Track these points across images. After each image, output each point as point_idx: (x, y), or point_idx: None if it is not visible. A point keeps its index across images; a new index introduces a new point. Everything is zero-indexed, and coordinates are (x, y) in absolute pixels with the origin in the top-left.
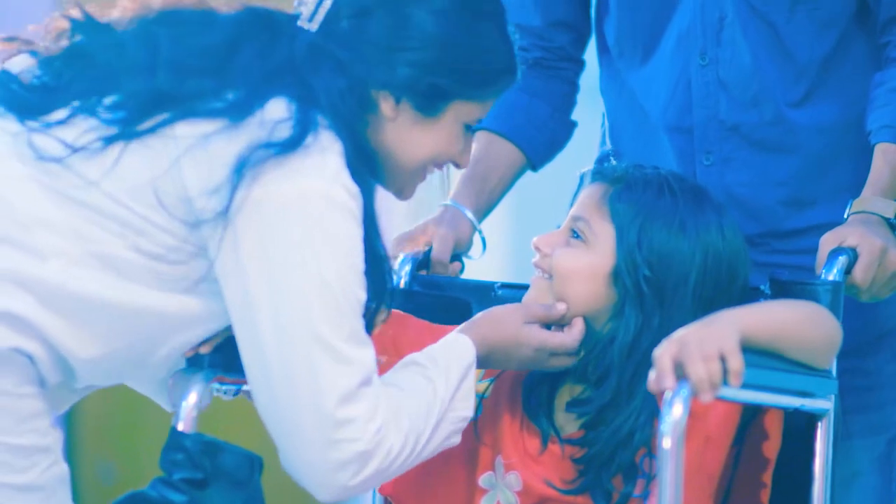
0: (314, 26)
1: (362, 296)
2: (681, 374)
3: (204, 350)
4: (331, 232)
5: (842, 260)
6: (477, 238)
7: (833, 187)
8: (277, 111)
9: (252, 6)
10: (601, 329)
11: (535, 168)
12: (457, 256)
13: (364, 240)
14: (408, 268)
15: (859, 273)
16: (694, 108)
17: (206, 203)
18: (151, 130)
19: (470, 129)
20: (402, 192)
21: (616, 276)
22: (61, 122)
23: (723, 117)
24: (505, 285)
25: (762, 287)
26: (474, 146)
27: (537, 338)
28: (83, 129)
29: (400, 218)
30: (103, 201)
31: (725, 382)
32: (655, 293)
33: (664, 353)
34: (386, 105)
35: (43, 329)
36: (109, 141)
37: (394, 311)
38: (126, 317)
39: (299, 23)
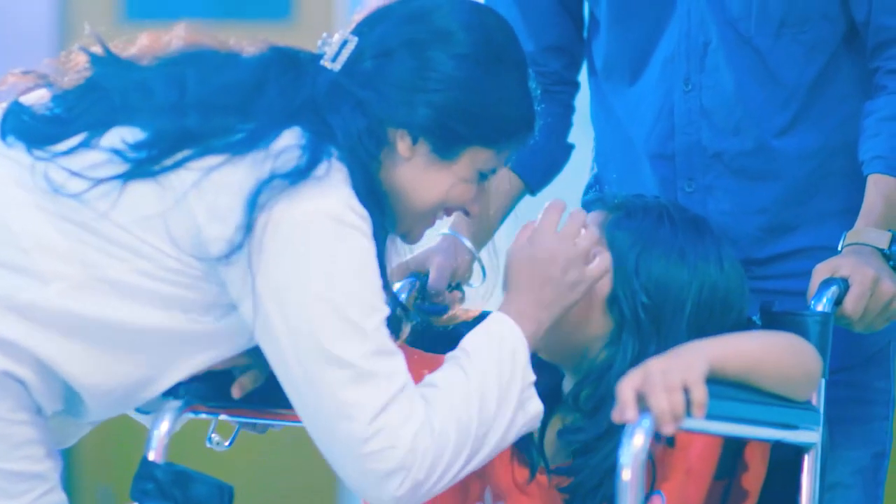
0: (337, 66)
1: (383, 309)
2: (644, 405)
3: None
4: (340, 251)
5: (832, 290)
6: (477, 266)
7: (815, 213)
8: (288, 140)
9: (277, 46)
10: (596, 357)
11: (533, 192)
12: (457, 285)
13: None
14: (403, 296)
15: (850, 303)
16: (676, 135)
17: (215, 232)
18: (169, 169)
19: (484, 178)
20: (410, 235)
21: (612, 302)
22: (68, 153)
23: (705, 144)
24: None
25: (754, 317)
26: None
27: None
28: (92, 162)
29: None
30: (111, 229)
31: (690, 414)
32: (653, 321)
33: (626, 384)
34: (402, 144)
35: (38, 354)
36: (127, 178)
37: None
38: (132, 338)
39: (322, 62)
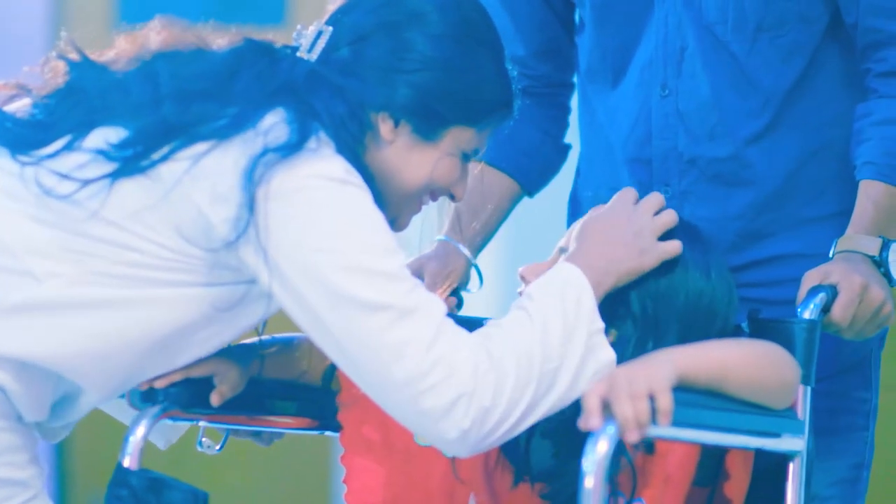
0: (314, 56)
1: (399, 251)
2: (610, 413)
3: (159, 384)
4: (346, 204)
5: (819, 297)
6: (474, 272)
7: (791, 219)
8: (274, 118)
9: (251, 38)
10: None
11: (530, 194)
12: (453, 291)
13: None
14: None
15: (838, 310)
16: (653, 140)
17: (221, 214)
18: (158, 162)
19: (467, 159)
20: (397, 221)
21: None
22: (53, 156)
23: (681, 150)
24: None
25: (742, 325)
26: None
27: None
28: (78, 163)
29: None
30: (103, 228)
31: (655, 422)
32: (649, 327)
33: (592, 391)
34: (385, 127)
35: (24, 355)
36: (116, 176)
37: None
38: (133, 311)
39: (298, 54)
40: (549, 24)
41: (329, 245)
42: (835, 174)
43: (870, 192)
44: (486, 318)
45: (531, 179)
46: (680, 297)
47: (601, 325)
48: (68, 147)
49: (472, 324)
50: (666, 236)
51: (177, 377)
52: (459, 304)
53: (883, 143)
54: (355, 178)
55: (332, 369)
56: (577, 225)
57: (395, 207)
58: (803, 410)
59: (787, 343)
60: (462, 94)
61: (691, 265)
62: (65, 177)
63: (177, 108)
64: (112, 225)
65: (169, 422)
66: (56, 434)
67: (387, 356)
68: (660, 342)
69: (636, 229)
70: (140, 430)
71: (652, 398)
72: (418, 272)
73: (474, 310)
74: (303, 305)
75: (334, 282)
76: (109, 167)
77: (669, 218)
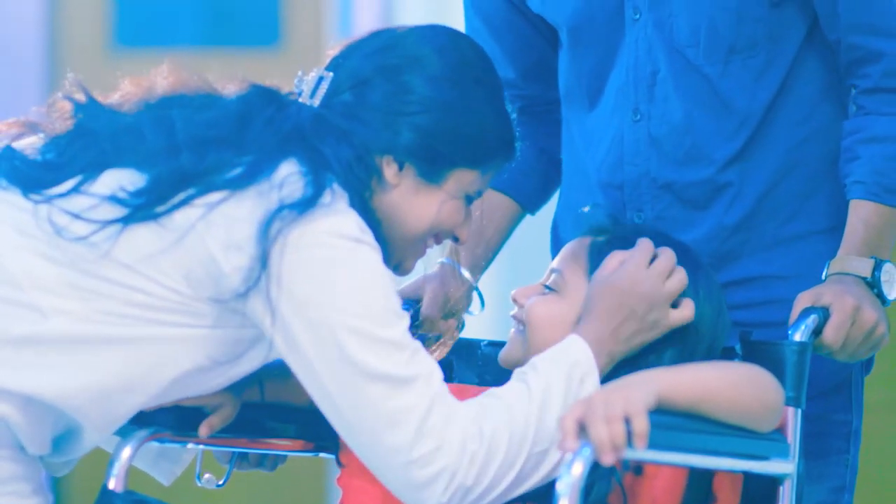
0: (316, 102)
1: (405, 314)
2: (585, 435)
3: (148, 407)
4: (359, 267)
5: (811, 319)
6: (475, 294)
7: (765, 240)
8: (288, 170)
9: (256, 84)
10: None
11: (531, 212)
12: (453, 314)
13: None
14: None
15: (830, 332)
16: (625, 166)
17: (234, 262)
18: (173, 210)
19: (470, 202)
20: (402, 266)
21: None
22: (64, 195)
23: (654, 175)
24: (491, 343)
25: (735, 347)
26: None
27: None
28: (90, 205)
29: None
30: (113, 269)
31: (632, 444)
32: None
33: (568, 414)
34: (389, 171)
35: (27, 390)
36: (129, 221)
37: None
38: (137, 350)
39: (301, 99)
40: (535, 45)
41: (340, 305)
42: (809, 193)
43: (860, 212)
44: (485, 341)
45: (531, 198)
46: None
47: None
48: (78, 188)
49: (472, 347)
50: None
51: (168, 403)
52: (461, 327)
53: (872, 161)
54: (368, 237)
55: None
56: (596, 279)
57: (400, 251)
58: (793, 433)
59: (777, 365)
60: (464, 135)
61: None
62: (77, 216)
63: (193, 156)
64: (123, 267)
65: (156, 444)
66: (58, 469)
67: (381, 423)
68: (644, 365)
69: (650, 301)
70: (126, 453)
71: (628, 421)
72: (418, 293)
73: (476, 332)
74: (304, 362)
75: (340, 343)
76: (123, 211)
77: (681, 283)
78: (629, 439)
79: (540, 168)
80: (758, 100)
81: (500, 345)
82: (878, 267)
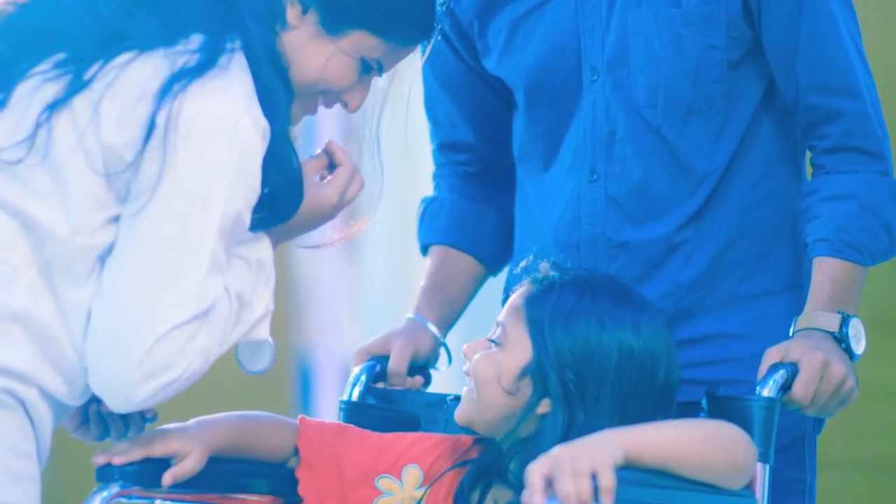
0: None
1: (247, 219)
2: (552, 491)
3: (116, 461)
4: (229, 159)
5: (779, 374)
6: (442, 350)
7: (720, 298)
8: (192, 39)
9: None
10: (519, 431)
11: (493, 273)
12: (422, 368)
13: (278, 155)
14: (363, 379)
15: (799, 388)
16: (582, 225)
17: (119, 137)
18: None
19: (367, 70)
20: (292, 116)
21: (531, 375)
22: None
23: (610, 234)
24: (457, 398)
25: (702, 402)
26: (430, 260)
27: None
28: (20, 113)
29: None
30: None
31: (598, 500)
32: (579, 391)
33: (536, 469)
34: (292, 11)
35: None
36: (53, 108)
37: (335, 423)
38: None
39: None
40: (494, 108)
41: (198, 183)
42: (764, 252)
43: (826, 269)
44: (451, 395)
45: (494, 259)
46: (611, 359)
47: None
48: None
49: (439, 401)
50: (598, 293)
51: (136, 455)
52: (427, 382)
53: (834, 219)
54: (253, 118)
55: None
56: None
57: (294, 101)
58: (762, 489)
59: (745, 421)
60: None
61: (620, 324)
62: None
63: (118, 19)
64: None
65: (124, 500)
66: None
67: (148, 305)
68: (593, 409)
69: None
70: None
71: (595, 476)
72: (386, 348)
73: (442, 387)
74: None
75: (182, 212)
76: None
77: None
78: (596, 495)
79: (504, 230)
80: (715, 160)
81: None
82: (845, 322)
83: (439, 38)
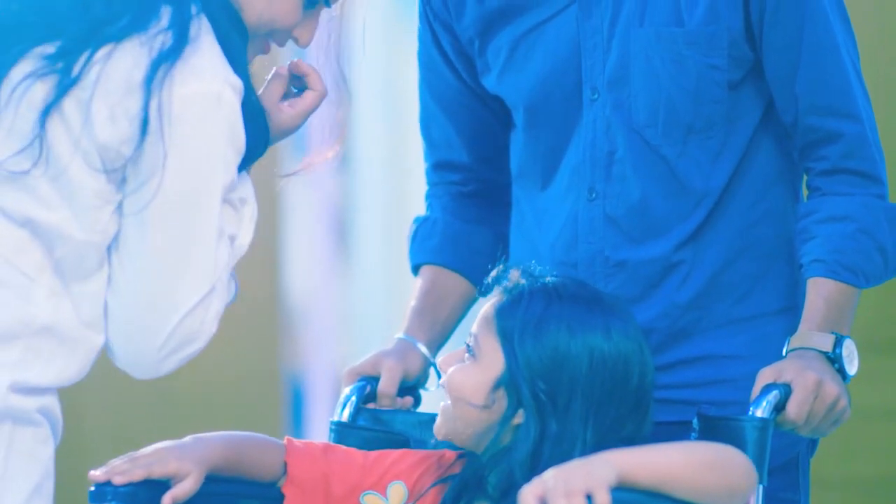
0: None
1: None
2: None
3: (117, 481)
4: (221, 132)
5: (773, 395)
6: (432, 370)
7: (717, 319)
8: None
9: None
10: (498, 443)
11: (484, 294)
12: (412, 388)
13: (245, 102)
14: (353, 400)
15: (793, 408)
16: (579, 244)
17: (113, 134)
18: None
19: (312, 5)
20: None
21: (504, 386)
22: None
23: (608, 254)
24: None
25: (693, 422)
26: (421, 280)
27: None
28: (11, 116)
29: None
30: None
31: None
32: (551, 400)
33: (529, 491)
34: None
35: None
36: (46, 113)
37: (322, 443)
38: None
39: None
40: (491, 129)
41: (196, 156)
42: (761, 274)
43: (821, 290)
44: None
45: (484, 279)
46: (582, 366)
47: None
48: None
49: (429, 421)
50: (567, 300)
51: (137, 476)
52: (417, 403)
53: (830, 240)
54: (231, 85)
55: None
56: None
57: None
58: None
59: (738, 441)
60: None
61: (590, 330)
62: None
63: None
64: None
65: None
66: None
67: (169, 286)
68: (564, 417)
69: None
70: None
71: (590, 497)
72: (376, 368)
73: (433, 407)
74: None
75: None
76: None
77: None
78: None
79: (496, 251)
80: (714, 180)
81: None
82: (838, 342)
83: (437, 57)
